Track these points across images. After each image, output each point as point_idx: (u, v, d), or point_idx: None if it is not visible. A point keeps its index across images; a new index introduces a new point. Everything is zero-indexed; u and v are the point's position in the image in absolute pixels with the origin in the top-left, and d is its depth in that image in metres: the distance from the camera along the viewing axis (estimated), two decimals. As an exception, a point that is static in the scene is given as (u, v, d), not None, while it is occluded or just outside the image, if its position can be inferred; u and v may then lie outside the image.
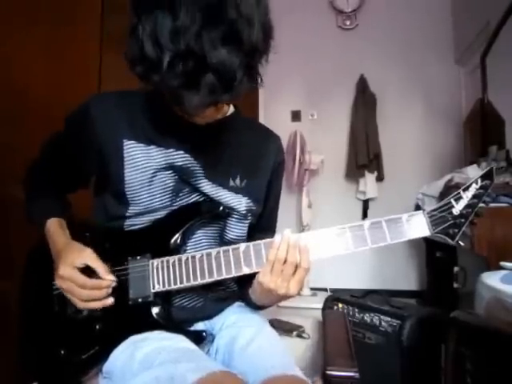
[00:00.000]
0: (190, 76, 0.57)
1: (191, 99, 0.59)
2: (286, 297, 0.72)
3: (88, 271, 0.72)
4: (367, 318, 1.63)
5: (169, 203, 0.79)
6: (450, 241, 0.71)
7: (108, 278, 0.72)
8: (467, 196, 0.71)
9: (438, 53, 3.11)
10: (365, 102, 3.13)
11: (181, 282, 0.73)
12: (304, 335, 1.10)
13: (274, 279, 0.69)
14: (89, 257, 0.73)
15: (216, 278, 0.72)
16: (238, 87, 0.60)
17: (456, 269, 1.78)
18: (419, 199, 2.30)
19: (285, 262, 0.69)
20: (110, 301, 0.73)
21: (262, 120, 3.25)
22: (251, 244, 0.73)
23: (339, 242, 0.71)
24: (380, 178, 3.13)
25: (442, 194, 2.07)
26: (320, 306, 1.84)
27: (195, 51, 0.55)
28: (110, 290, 0.73)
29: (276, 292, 0.70)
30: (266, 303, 0.82)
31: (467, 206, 0.71)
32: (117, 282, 0.73)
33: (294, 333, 1.10)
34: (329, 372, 0.76)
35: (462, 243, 0.72)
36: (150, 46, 0.57)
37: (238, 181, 0.83)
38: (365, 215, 3.15)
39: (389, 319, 1.56)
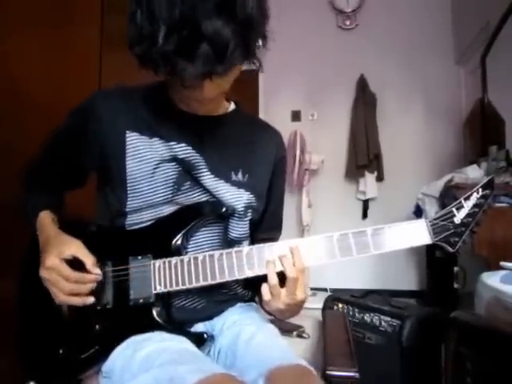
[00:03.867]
0: (185, 44, 0.58)
1: (186, 69, 0.60)
2: (300, 303, 0.72)
3: (75, 264, 0.71)
4: (367, 318, 1.63)
5: (170, 197, 0.78)
6: (450, 249, 0.72)
7: (94, 272, 0.72)
8: (468, 205, 0.72)
9: (438, 53, 3.11)
10: (365, 101, 3.13)
11: (183, 284, 0.72)
12: (304, 335, 1.10)
13: (277, 300, 0.70)
14: (77, 248, 0.72)
15: (218, 280, 0.72)
16: (231, 59, 0.61)
17: (456, 269, 1.78)
18: (419, 199, 2.30)
19: (284, 283, 0.69)
20: (91, 300, 0.72)
21: (262, 120, 3.25)
22: (254, 247, 0.72)
23: (342, 248, 0.71)
24: (380, 178, 3.13)
25: (441, 194, 2.07)
26: (320, 305, 1.85)
27: (190, 20, 0.57)
28: (93, 286, 0.72)
29: (290, 305, 0.70)
30: (287, 317, 0.80)
31: (468, 215, 0.72)
32: (103, 279, 0.73)
33: (294, 333, 1.10)
34: (329, 372, 0.77)
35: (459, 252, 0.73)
36: (148, 25, 0.60)
37: (240, 175, 0.83)
38: (365, 215, 3.15)
39: (389, 319, 1.56)
